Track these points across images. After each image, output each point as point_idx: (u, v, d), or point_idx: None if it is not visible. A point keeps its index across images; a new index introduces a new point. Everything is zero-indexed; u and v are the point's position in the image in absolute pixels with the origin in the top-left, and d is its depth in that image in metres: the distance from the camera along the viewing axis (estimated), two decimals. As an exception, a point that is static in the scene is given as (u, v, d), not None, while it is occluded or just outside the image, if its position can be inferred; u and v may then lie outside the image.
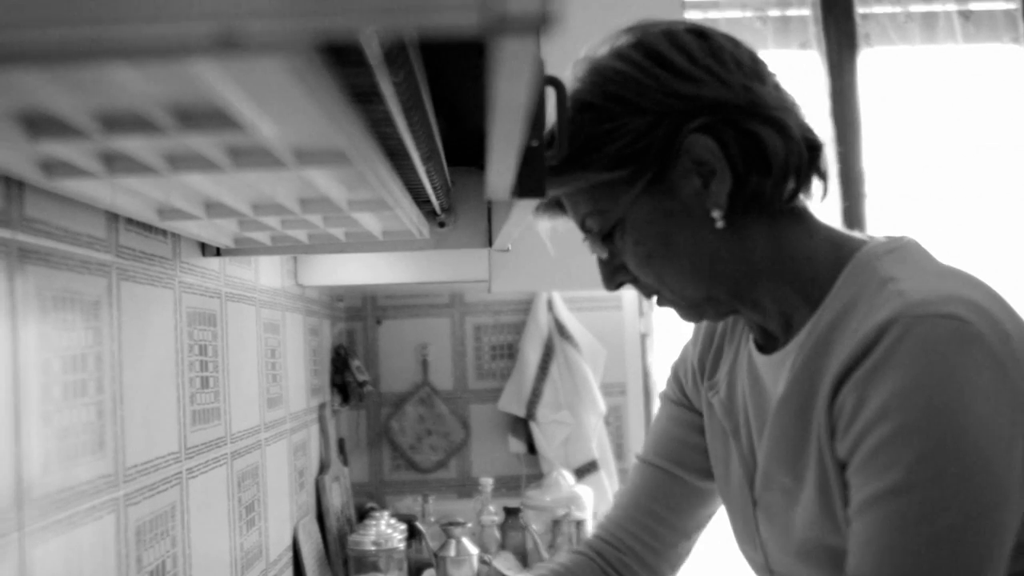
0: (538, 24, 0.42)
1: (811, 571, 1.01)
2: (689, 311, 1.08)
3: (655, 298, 1.09)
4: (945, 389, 0.84)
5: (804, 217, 1.03)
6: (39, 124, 0.66)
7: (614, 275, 1.08)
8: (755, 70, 0.99)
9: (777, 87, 1.01)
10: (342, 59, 0.60)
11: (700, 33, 1.00)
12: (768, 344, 1.08)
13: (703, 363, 1.22)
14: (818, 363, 0.96)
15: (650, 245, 1.02)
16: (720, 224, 0.98)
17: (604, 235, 1.04)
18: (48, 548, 0.87)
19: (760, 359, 1.09)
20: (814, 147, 1.00)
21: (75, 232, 0.96)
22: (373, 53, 0.59)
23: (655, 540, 1.26)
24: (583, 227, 1.07)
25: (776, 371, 1.05)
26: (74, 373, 0.94)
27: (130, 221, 1.10)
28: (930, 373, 0.84)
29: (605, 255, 1.07)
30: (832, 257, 1.00)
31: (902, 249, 0.99)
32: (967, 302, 0.87)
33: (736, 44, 1.01)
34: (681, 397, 1.27)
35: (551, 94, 0.96)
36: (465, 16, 0.41)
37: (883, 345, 0.87)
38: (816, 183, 1.02)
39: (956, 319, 0.85)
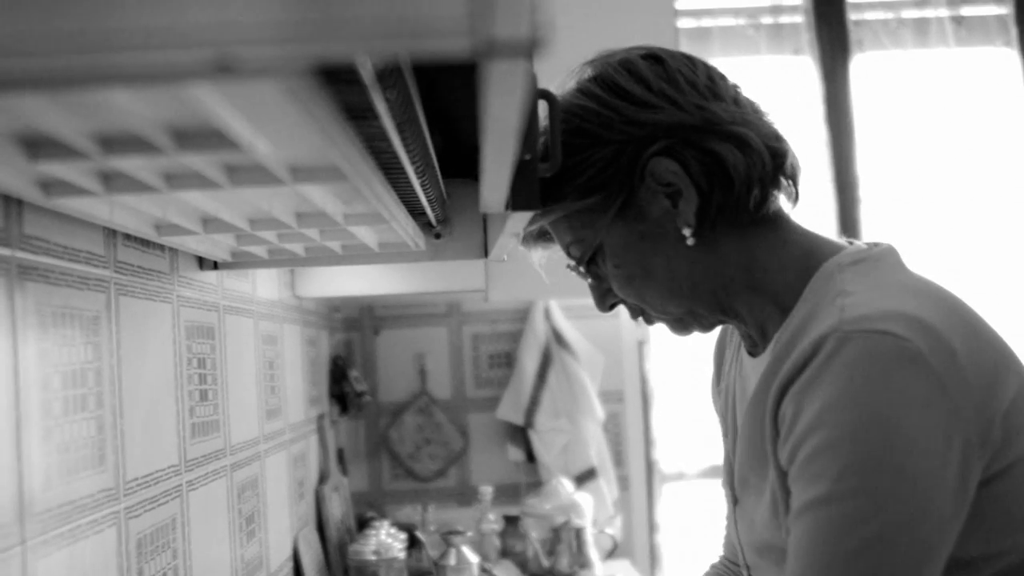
0: (527, 48, 0.43)
1: (768, 568, 1.05)
2: (676, 326, 1.12)
3: (642, 318, 1.13)
4: (872, 403, 0.85)
5: (778, 224, 1.06)
6: (39, 145, 0.67)
7: (604, 297, 1.14)
8: (711, 89, 1.04)
9: (736, 100, 1.05)
10: (336, 78, 0.61)
11: (656, 59, 1.05)
12: (754, 347, 1.11)
13: (717, 370, 1.25)
14: (776, 370, 0.98)
15: (629, 268, 1.06)
16: (691, 241, 1.03)
17: (587, 261, 1.08)
18: (50, 562, 0.88)
19: (747, 361, 1.12)
20: (778, 154, 1.04)
21: (74, 249, 0.97)
22: (367, 73, 0.60)
23: None
24: (568, 254, 1.12)
25: (755, 374, 1.08)
26: (74, 388, 0.95)
27: (128, 237, 1.11)
28: (859, 387, 0.86)
29: (590, 280, 1.12)
30: (803, 266, 1.03)
31: (869, 260, 1.01)
32: (908, 318, 0.88)
33: (692, 64, 1.06)
34: (723, 428, 1.30)
35: (543, 107, 0.98)
36: (457, 42, 0.42)
37: (818, 359, 0.89)
38: (786, 188, 1.06)
39: (890, 335, 0.87)
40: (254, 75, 0.47)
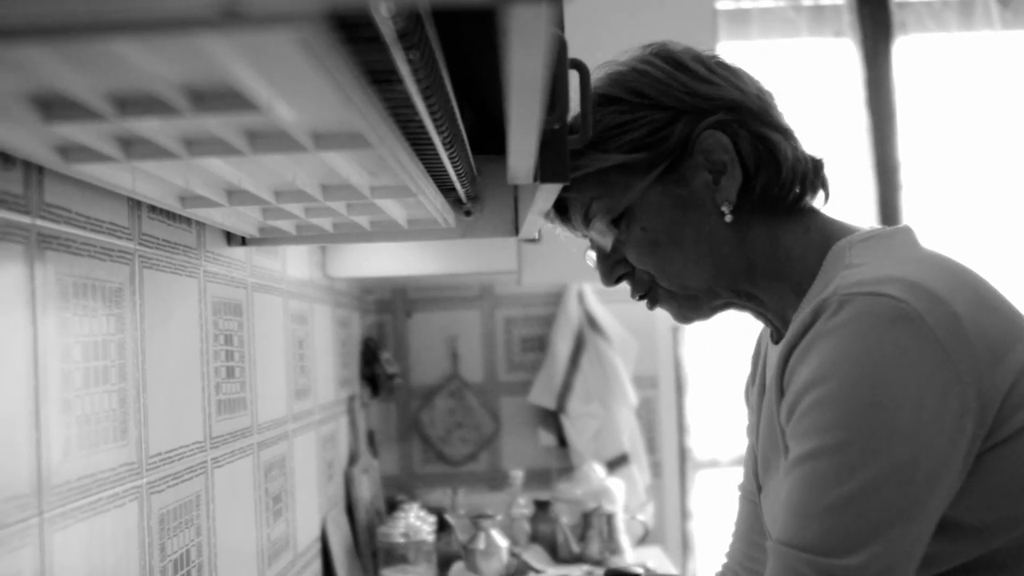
0: (548, -10, 0.41)
1: None
2: (683, 305, 1.11)
3: (650, 295, 1.12)
4: (864, 361, 0.86)
5: (805, 214, 1.07)
6: (53, 106, 0.66)
7: (613, 269, 1.13)
8: (765, 90, 1.09)
9: (782, 114, 1.09)
10: (354, 36, 0.59)
11: (713, 56, 1.10)
12: (778, 335, 1.11)
13: (753, 369, 1.24)
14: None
15: (656, 233, 1.06)
16: (728, 218, 1.04)
17: (612, 220, 1.08)
18: (69, 534, 0.87)
19: (771, 351, 1.11)
20: (819, 164, 1.08)
21: (96, 219, 0.96)
22: (387, 29, 0.58)
23: (760, 564, 1.28)
24: (586, 216, 1.11)
25: (774, 361, 1.06)
26: (96, 360, 0.94)
27: (153, 209, 1.10)
28: (853, 346, 0.87)
29: (609, 242, 1.11)
30: (821, 250, 1.04)
31: (881, 237, 1.02)
32: (906, 282, 0.88)
33: (747, 73, 1.10)
34: (753, 421, 1.28)
35: (575, 81, 0.95)
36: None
37: (818, 323, 0.90)
38: (820, 194, 1.09)
39: (886, 296, 0.87)
40: (263, 22, 0.45)
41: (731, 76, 1.06)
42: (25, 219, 0.82)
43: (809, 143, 1.10)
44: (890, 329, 0.86)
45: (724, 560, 1.35)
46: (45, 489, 0.83)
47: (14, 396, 0.79)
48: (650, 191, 1.05)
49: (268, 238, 1.37)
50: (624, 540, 2.49)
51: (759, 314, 1.12)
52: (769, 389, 1.03)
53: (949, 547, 0.90)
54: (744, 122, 1.03)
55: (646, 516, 2.73)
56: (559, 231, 1.22)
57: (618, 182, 1.07)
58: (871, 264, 0.95)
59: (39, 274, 0.84)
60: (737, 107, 1.03)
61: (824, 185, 1.08)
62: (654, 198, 1.05)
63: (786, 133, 1.05)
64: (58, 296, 0.87)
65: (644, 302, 1.14)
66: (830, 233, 1.05)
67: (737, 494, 1.33)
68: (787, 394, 0.94)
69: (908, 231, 1.04)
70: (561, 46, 0.85)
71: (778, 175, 1.03)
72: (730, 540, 1.35)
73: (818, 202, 1.08)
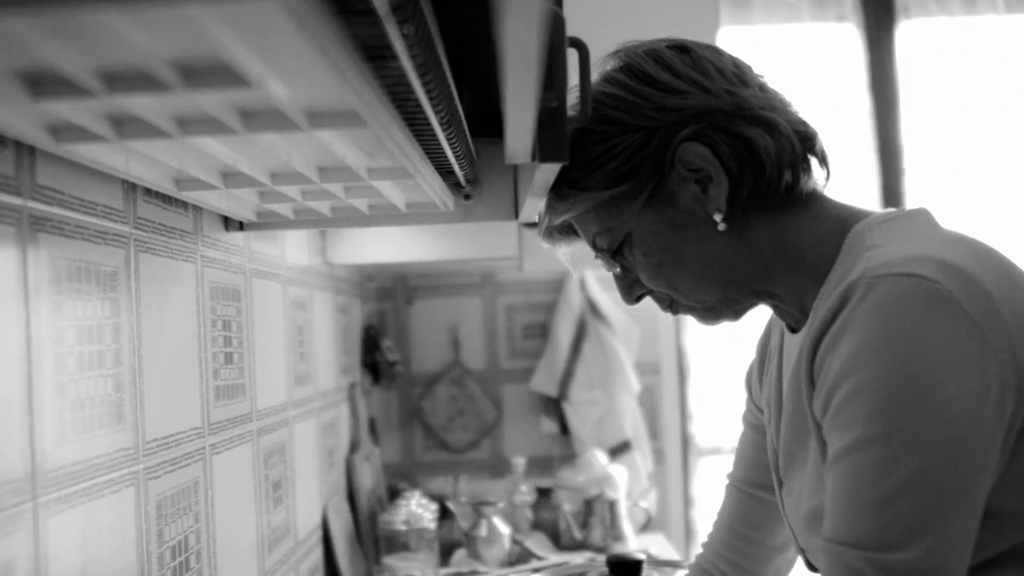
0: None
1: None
2: (707, 315, 1.11)
3: (672, 308, 1.12)
4: (901, 346, 0.84)
5: (811, 201, 1.04)
6: (42, 83, 0.64)
7: (631, 289, 1.13)
8: (738, 75, 1.04)
9: (763, 87, 1.05)
10: (346, 8, 0.58)
11: (682, 48, 1.05)
12: (797, 324, 1.09)
13: (761, 361, 1.22)
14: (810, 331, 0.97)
15: (658, 256, 1.05)
16: (722, 227, 1.01)
17: (614, 251, 1.07)
18: (64, 520, 0.86)
19: (789, 340, 1.09)
20: (807, 138, 1.03)
21: (90, 202, 0.95)
22: (379, 1, 0.57)
23: (746, 560, 1.28)
24: (595, 247, 1.11)
25: (795, 351, 1.05)
26: (90, 344, 0.93)
27: (148, 192, 1.09)
28: (887, 330, 0.85)
29: (618, 271, 1.11)
30: (836, 236, 1.01)
31: (901, 218, 1.00)
32: (937, 262, 0.86)
33: (718, 53, 1.05)
34: (754, 413, 1.28)
35: (573, 59, 0.94)
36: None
37: (846, 309, 0.88)
38: (817, 169, 1.05)
39: (916, 277, 0.85)
40: (250, -12, 0.44)
41: (698, 76, 1.02)
42: (17, 201, 0.81)
43: (804, 114, 1.06)
44: (923, 311, 0.84)
45: (701, 550, 1.34)
46: (39, 474, 0.82)
47: (6, 380, 0.78)
48: (642, 217, 1.04)
49: (266, 222, 1.36)
50: (626, 527, 2.48)
51: (777, 307, 1.10)
52: (793, 380, 1.01)
53: (988, 536, 0.87)
54: (718, 126, 1.00)
55: (648, 503, 2.73)
56: (562, 251, 1.21)
57: (610, 215, 1.05)
58: (895, 244, 0.93)
59: (31, 257, 0.83)
60: (708, 112, 1.00)
61: (823, 161, 1.05)
62: (647, 223, 1.04)
63: (764, 123, 1.00)
64: (51, 279, 0.86)
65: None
66: (845, 217, 1.03)
67: (725, 483, 1.32)
68: (820, 386, 0.91)
69: (926, 212, 1.02)
70: (559, 23, 0.83)
71: (763, 171, 1.00)
72: (710, 530, 1.34)
73: (819, 181, 1.05)
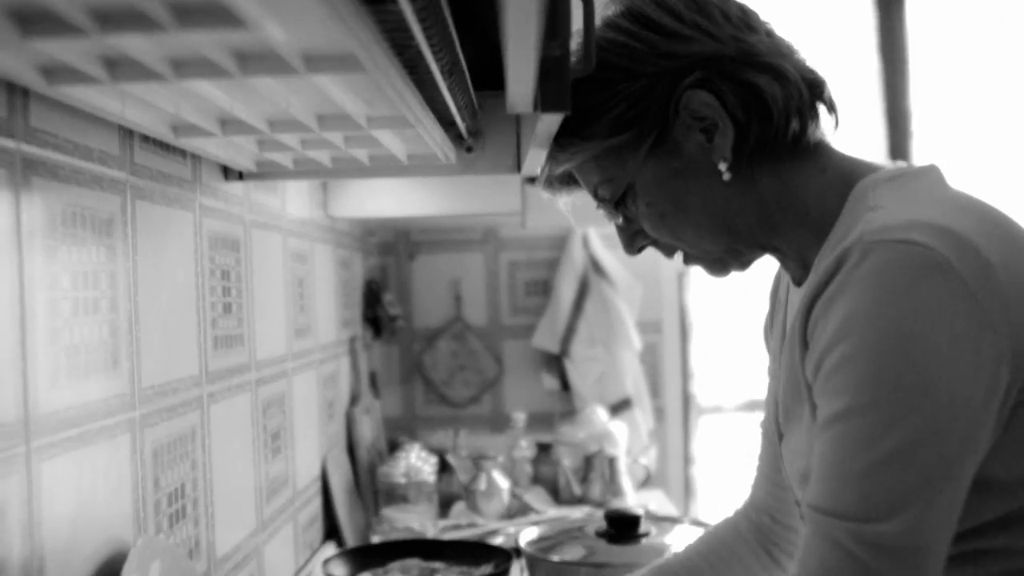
0: None
1: None
2: (713, 266, 1.09)
3: (679, 257, 1.10)
4: (894, 314, 0.82)
5: (817, 152, 1.02)
6: (34, 21, 0.63)
7: (633, 240, 1.10)
8: (744, 21, 1.01)
9: (770, 34, 1.02)
10: (343, -54, 0.56)
11: None
12: (800, 279, 1.07)
13: (772, 310, 1.22)
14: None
15: (661, 206, 1.03)
16: (727, 176, 0.99)
17: (616, 202, 1.05)
18: (57, 464, 0.86)
19: (793, 293, 1.08)
20: (815, 85, 1.01)
21: (86, 146, 0.94)
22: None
23: (781, 502, 1.25)
24: (596, 196, 1.09)
25: (795, 307, 1.03)
26: (85, 290, 0.92)
27: (145, 139, 1.08)
28: (881, 298, 0.82)
29: (620, 221, 1.09)
30: (840, 190, 0.99)
31: (907, 176, 0.97)
32: (934, 227, 0.84)
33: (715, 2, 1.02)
34: (772, 361, 1.26)
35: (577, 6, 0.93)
36: None
37: (842, 272, 0.86)
38: (825, 118, 1.02)
39: (913, 244, 0.83)
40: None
41: (703, 21, 0.99)
42: (10, 143, 0.80)
43: (811, 62, 1.03)
44: (918, 279, 0.82)
45: (747, 496, 1.32)
46: (32, 419, 0.81)
47: (-1, 323, 0.77)
48: (645, 166, 1.01)
49: (266, 172, 1.35)
50: (626, 483, 2.49)
51: (783, 260, 1.08)
52: (790, 337, 0.99)
53: (977, 504, 0.86)
54: (724, 73, 0.97)
55: (648, 460, 2.73)
56: (563, 201, 1.19)
57: (612, 164, 1.03)
58: (896, 207, 0.90)
59: (25, 200, 0.82)
60: (713, 59, 0.97)
61: (832, 108, 1.02)
62: (651, 172, 1.02)
63: (772, 70, 0.98)
64: (46, 224, 0.85)
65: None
66: (849, 171, 1.00)
67: (759, 431, 1.32)
68: (811, 349, 0.90)
69: (936, 170, 0.99)
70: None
71: (770, 120, 0.97)
72: (754, 475, 1.33)
73: (827, 130, 1.03)
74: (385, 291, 2.60)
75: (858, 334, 0.83)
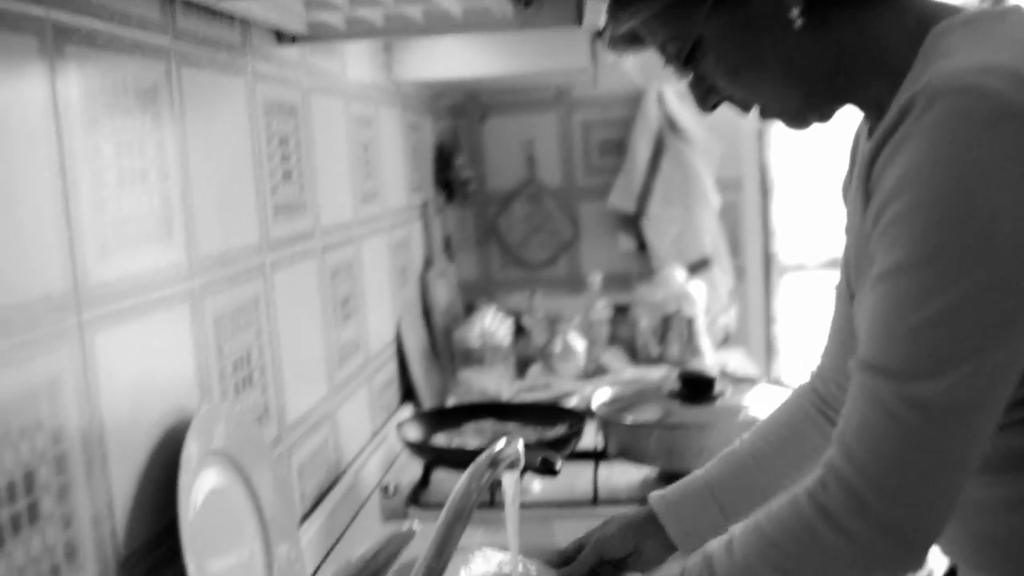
0: None
1: None
2: (792, 119, 1.03)
3: (756, 111, 1.04)
4: (957, 165, 0.77)
5: None
6: None
7: (706, 97, 1.05)
8: None
9: None
10: None
11: None
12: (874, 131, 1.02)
13: (851, 165, 1.16)
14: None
15: (732, 60, 0.98)
16: (799, 23, 0.93)
17: (685, 59, 1.00)
18: (112, 335, 0.86)
19: (865, 145, 1.02)
20: None
21: (123, 12, 0.91)
22: None
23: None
24: (664, 54, 1.03)
25: None
26: (131, 159, 0.91)
27: (188, 4, 1.05)
28: (945, 148, 0.78)
29: (690, 78, 1.03)
30: (919, 35, 0.92)
31: (986, 19, 0.89)
32: (1005, 70, 0.78)
33: None
34: (848, 218, 1.21)
35: None
36: None
37: (908, 121, 0.81)
38: None
39: (982, 90, 0.77)
40: None
41: None
42: (38, 10, 0.78)
43: None
44: (987, 129, 0.77)
45: (816, 365, 1.29)
46: (82, 290, 0.82)
47: (38, 196, 0.77)
48: (712, 19, 0.95)
49: (318, 35, 1.32)
50: (704, 343, 2.47)
51: (864, 111, 1.03)
52: (856, 190, 0.96)
53: None
54: None
55: (728, 319, 2.71)
56: (631, 63, 1.14)
57: (677, 19, 0.97)
58: (967, 51, 0.84)
59: (59, 68, 0.80)
60: None
61: None
62: (718, 26, 0.95)
63: None
64: (83, 94, 0.84)
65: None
66: (930, 15, 0.93)
67: (834, 293, 1.28)
68: (872, 200, 0.86)
69: (1020, 10, 0.91)
70: None
71: None
72: (825, 342, 1.30)
73: None
74: (457, 154, 2.57)
75: (918, 187, 0.79)
